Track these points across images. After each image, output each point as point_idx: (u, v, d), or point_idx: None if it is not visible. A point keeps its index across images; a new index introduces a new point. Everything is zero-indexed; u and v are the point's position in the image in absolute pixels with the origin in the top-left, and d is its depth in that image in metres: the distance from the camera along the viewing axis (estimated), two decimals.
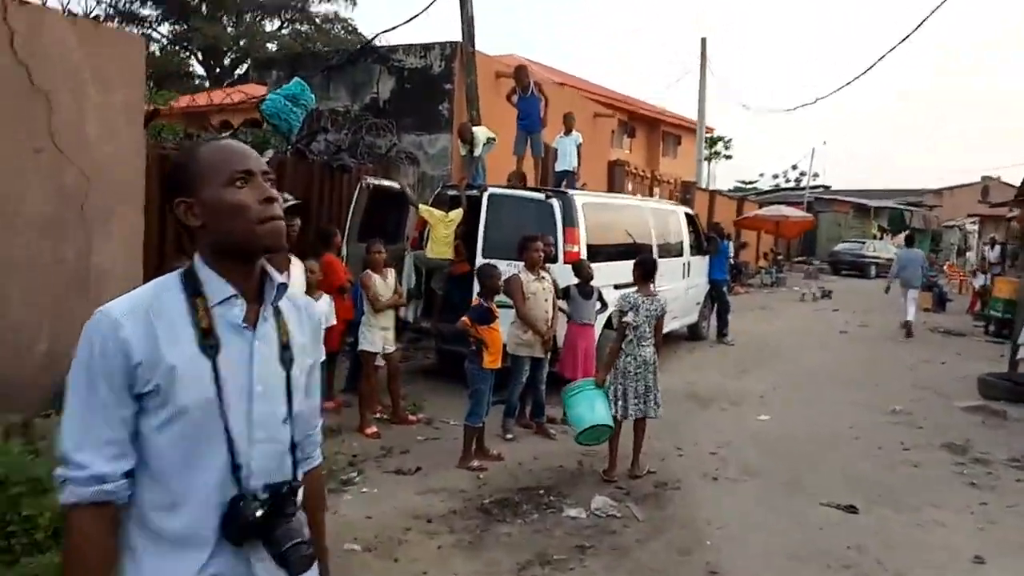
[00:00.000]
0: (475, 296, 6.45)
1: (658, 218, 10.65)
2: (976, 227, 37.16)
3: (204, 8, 32.38)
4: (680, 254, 11.37)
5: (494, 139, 9.86)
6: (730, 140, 48.40)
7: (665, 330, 11.60)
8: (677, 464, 6.58)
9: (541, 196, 8.38)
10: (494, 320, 6.42)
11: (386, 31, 10.94)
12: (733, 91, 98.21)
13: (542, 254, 7.09)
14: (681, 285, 11.40)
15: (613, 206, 9.67)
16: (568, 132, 10.90)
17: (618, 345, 6.25)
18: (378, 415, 7.57)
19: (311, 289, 6.25)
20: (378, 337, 7.20)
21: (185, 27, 31.86)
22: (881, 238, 31.67)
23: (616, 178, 17.15)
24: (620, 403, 6.21)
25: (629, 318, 6.18)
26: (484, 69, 11.77)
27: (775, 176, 55.04)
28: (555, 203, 8.32)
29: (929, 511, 5.60)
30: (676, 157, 32.62)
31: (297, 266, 5.75)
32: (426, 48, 11.62)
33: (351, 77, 12.01)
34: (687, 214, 12.12)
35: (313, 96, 8.70)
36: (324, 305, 6.33)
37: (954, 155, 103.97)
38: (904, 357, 12.14)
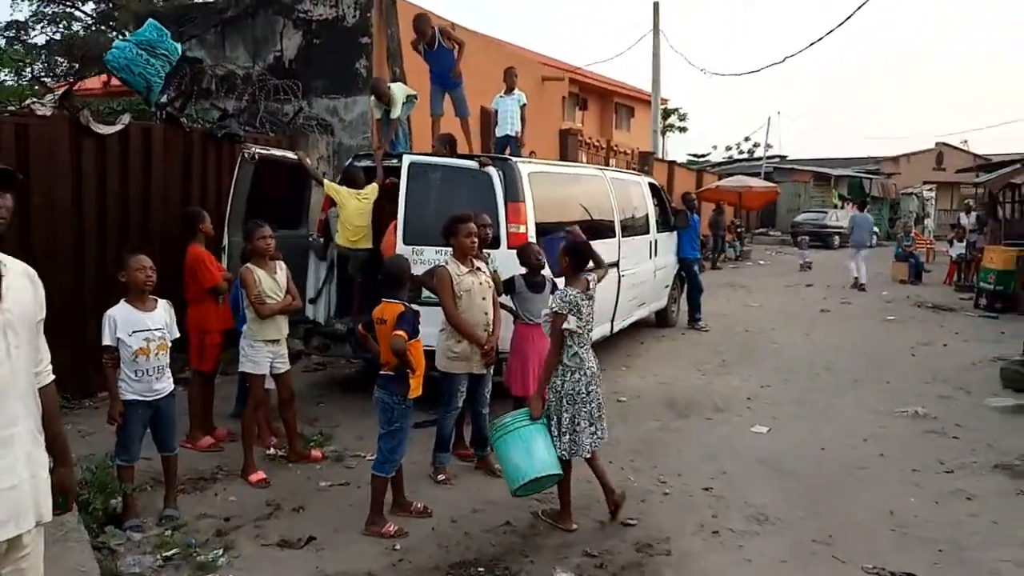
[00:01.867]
0: (386, 296, 4.69)
1: (620, 190, 9.00)
2: (933, 194, 36.56)
3: None
4: (646, 231, 9.75)
5: (415, 97, 8.09)
6: (685, 113, 47.07)
7: (632, 318, 10.33)
8: (662, 510, 4.97)
9: (475, 164, 6.65)
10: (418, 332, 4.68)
11: None
12: (685, 58, 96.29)
13: (476, 239, 5.37)
14: (648, 266, 9.80)
15: (566, 176, 7.98)
16: (510, 91, 9.14)
17: (556, 359, 4.63)
18: (271, 451, 5.82)
19: (139, 292, 4.46)
20: (264, 353, 5.43)
21: (111, 5, 29.00)
22: (842, 207, 30.58)
23: (568, 148, 15.49)
24: (568, 437, 4.60)
25: (572, 324, 4.55)
26: (408, 18, 9.94)
27: (728, 148, 54.05)
28: (494, 173, 6.59)
29: (1011, 574, 4.08)
30: (630, 130, 31.08)
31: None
32: None
33: (250, 32, 10.08)
34: (651, 185, 10.49)
35: (177, 46, 6.79)
36: (161, 313, 4.55)
37: (910, 122, 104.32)
38: (900, 339, 10.74)
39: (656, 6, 25.22)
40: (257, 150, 6.69)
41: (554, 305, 4.63)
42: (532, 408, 4.72)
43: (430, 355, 5.19)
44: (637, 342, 10.16)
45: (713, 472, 5.61)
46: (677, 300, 11.69)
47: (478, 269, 5.37)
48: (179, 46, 6.79)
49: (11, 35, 24.19)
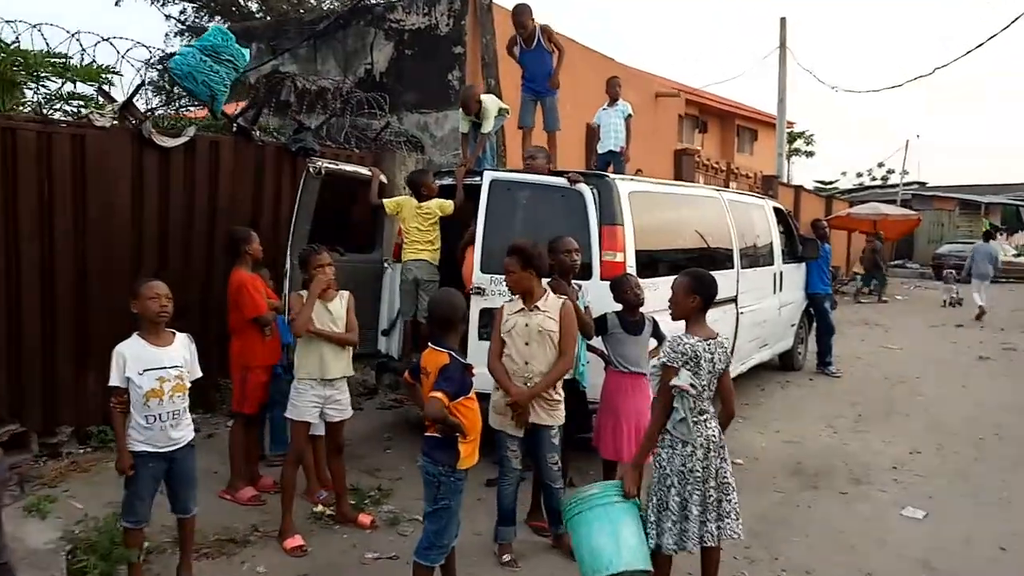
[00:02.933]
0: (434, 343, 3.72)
1: (739, 214, 7.83)
2: None
3: None
4: (770, 262, 8.51)
5: (506, 111, 7.27)
6: (812, 136, 44.34)
7: (752, 361, 8.99)
8: None
9: (565, 182, 5.72)
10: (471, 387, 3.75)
11: None
12: (814, 75, 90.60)
13: (518, 274, 4.38)
14: (772, 302, 8.54)
15: (675, 197, 6.89)
16: (613, 102, 8.20)
17: (659, 426, 3.62)
18: (318, 507, 5.04)
19: (152, 325, 3.79)
20: (309, 397, 4.67)
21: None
22: (995, 238, 27.58)
23: (684, 169, 14.32)
24: (670, 525, 3.55)
25: (683, 380, 3.52)
26: (505, 26, 9.20)
27: (859, 175, 50.60)
28: (587, 191, 5.64)
29: None
30: (752, 154, 29.32)
31: None
32: (430, 2, 9.11)
33: (341, 45, 9.59)
34: (777, 209, 9.23)
35: (245, 51, 6.23)
36: (179, 348, 3.86)
37: None
38: None
39: (783, 21, 23.64)
40: (325, 164, 6.00)
41: (663, 355, 3.63)
42: (625, 481, 3.72)
43: None
44: (757, 388, 8.88)
45: (853, 572, 4.38)
46: (805, 341, 10.29)
47: (536, 308, 4.38)
48: (247, 52, 6.24)
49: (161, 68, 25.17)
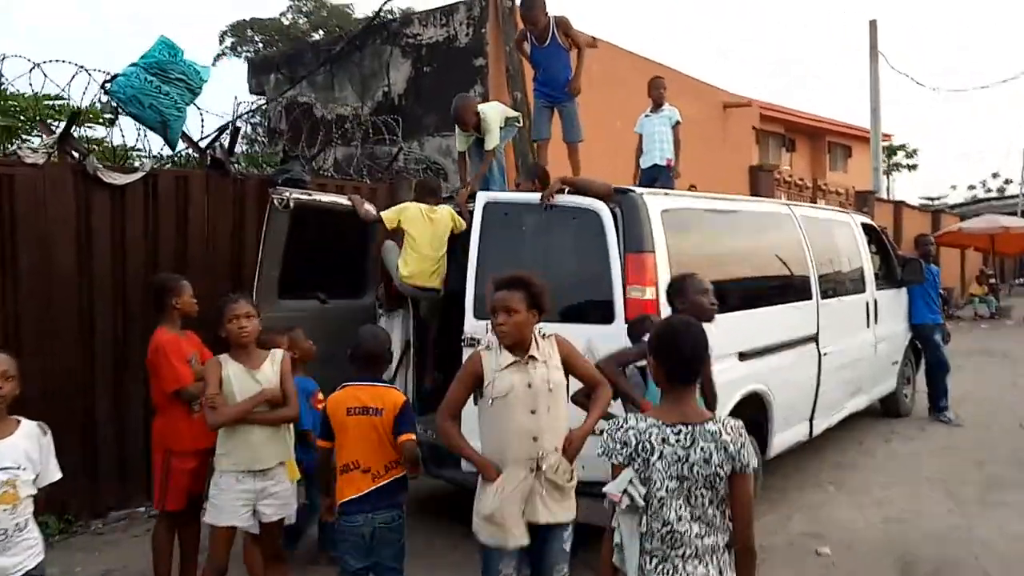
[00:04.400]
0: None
1: (818, 233, 6.40)
2: None
3: None
4: (860, 288, 6.98)
5: (517, 120, 6.16)
6: (915, 150, 41.14)
7: (843, 412, 6.71)
8: None
9: (579, 201, 4.50)
10: None
11: None
12: (911, 78, 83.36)
13: (510, 313, 3.21)
14: (865, 338, 7.00)
15: (729, 215, 5.51)
16: (657, 107, 6.93)
17: (607, 552, 2.38)
18: None
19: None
20: (234, 493, 3.60)
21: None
22: None
23: (762, 187, 12.80)
24: None
25: (617, 486, 2.34)
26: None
27: (971, 187, 46.81)
28: (604, 211, 4.41)
29: None
30: (847, 171, 27.14)
31: None
32: (448, 11, 8.14)
33: (358, 68, 8.73)
34: (867, 226, 7.68)
35: (200, 68, 5.32)
36: (18, 443, 2.87)
37: None
38: None
39: (873, 24, 21.74)
40: (294, 195, 5.00)
41: (600, 444, 2.41)
42: None
43: None
44: (853, 442, 7.30)
45: None
46: (912, 380, 8.59)
47: (532, 358, 3.19)
48: (204, 69, 5.35)
49: (256, 122, 25.35)
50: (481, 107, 5.92)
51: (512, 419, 3.12)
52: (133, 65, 5.09)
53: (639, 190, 4.67)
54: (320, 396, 4.38)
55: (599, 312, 4.38)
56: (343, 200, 5.42)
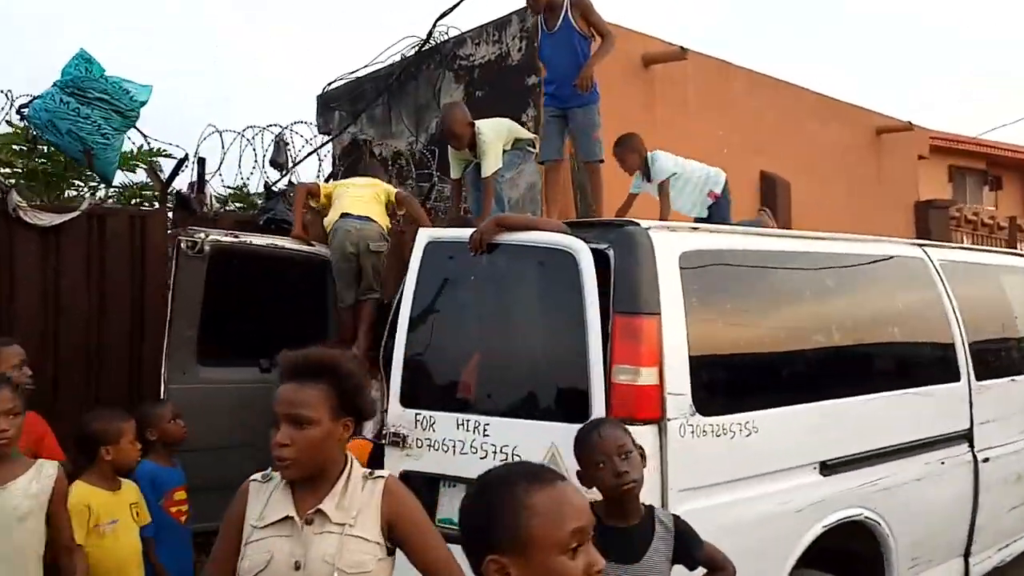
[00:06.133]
0: None
1: (975, 285, 4.50)
2: None
3: None
4: None
5: (531, 143, 4.84)
6: None
7: (1012, 551, 4.43)
8: None
9: (548, 240, 3.06)
10: None
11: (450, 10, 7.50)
12: None
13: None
14: None
15: (805, 259, 3.69)
16: (644, 175, 5.20)
17: None
18: None
19: None
20: None
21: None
22: None
23: (933, 227, 10.45)
24: None
25: None
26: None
27: None
28: (583, 253, 2.96)
29: None
30: None
31: None
32: (500, 25, 6.96)
33: (412, 99, 7.76)
34: None
35: (140, 88, 4.43)
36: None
37: None
38: None
39: None
40: (214, 237, 3.95)
41: None
42: None
43: None
44: None
45: None
46: None
47: (321, 515, 1.86)
48: (142, 88, 4.47)
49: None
50: (480, 123, 4.64)
51: None
52: (54, 85, 4.31)
53: (645, 223, 3.14)
54: (179, 496, 3.25)
55: (568, 403, 2.95)
56: (286, 242, 4.29)
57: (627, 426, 2.77)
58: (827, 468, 3.34)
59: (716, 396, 3.03)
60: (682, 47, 6.94)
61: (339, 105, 8.79)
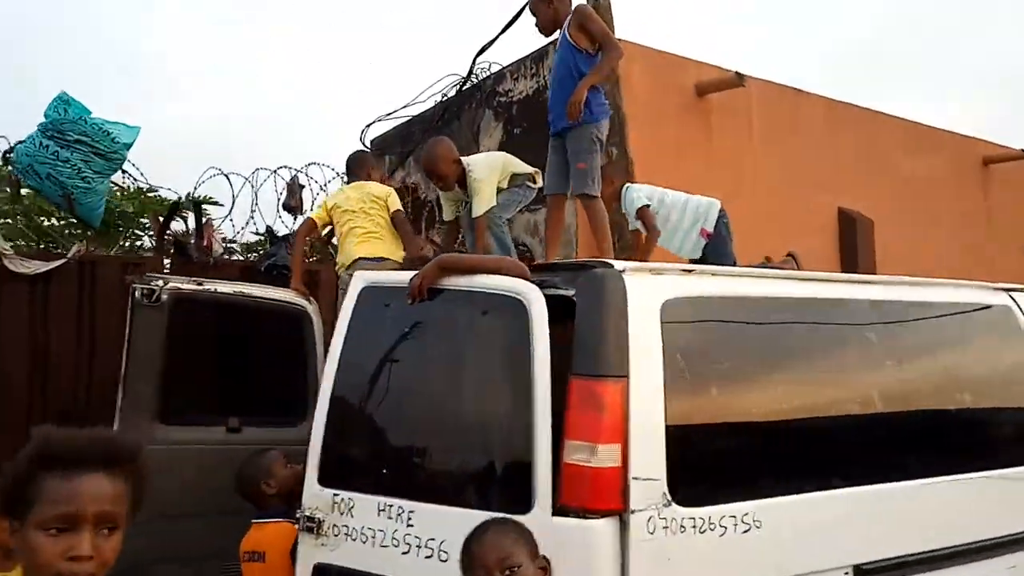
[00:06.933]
0: None
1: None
2: None
3: None
4: None
5: (529, 179, 4.32)
6: None
7: None
8: None
9: (494, 284, 2.54)
10: None
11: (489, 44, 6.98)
12: None
13: None
14: None
15: (831, 308, 2.89)
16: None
17: None
18: None
19: None
20: None
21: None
22: None
23: None
24: None
25: None
26: (647, 69, 6.24)
27: None
28: (534, 299, 2.42)
29: None
30: None
31: None
32: (538, 57, 6.52)
33: (455, 139, 7.40)
34: None
35: (127, 130, 4.21)
36: None
37: None
38: None
39: None
40: (173, 284, 3.63)
41: None
42: None
43: None
44: None
45: None
46: None
47: None
48: (129, 129, 4.26)
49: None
50: (470, 158, 4.18)
51: None
52: (37, 128, 4.16)
53: (622, 264, 2.57)
54: None
55: (508, 488, 2.39)
56: (258, 291, 3.92)
57: (580, 520, 2.21)
58: (864, 575, 2.61)
59: (702, 480, 2.40)
60: (738, 72, 6.29)
61: (390, 149, 8.60)
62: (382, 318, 2.73)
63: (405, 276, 2.72)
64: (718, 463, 2.50)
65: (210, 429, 3.81)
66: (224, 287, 3.81)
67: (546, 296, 2.49)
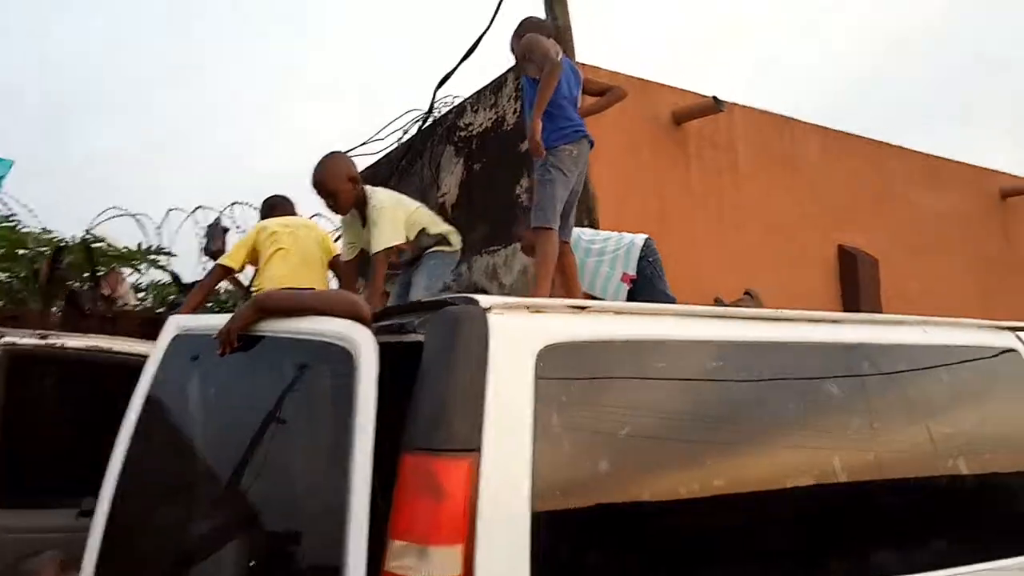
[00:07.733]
0: None
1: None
2: None
3: None
4: None
5: (444, 239, 3.71)
6: None
7: None
8: None
9: (313, 328, 1.94)
10: None
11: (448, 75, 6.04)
12: None
13: None
14: None
15: (759, 353, 2.19)
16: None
17: None
18: None
19: None
20: None
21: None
22: None
23: None
24: None
25: None
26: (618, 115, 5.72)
27: None
28: (362, 351, 1.81)
29: None
30: None
31: None
32: (497, 87, 5.99)
33: (418, 178, 6.88)
34: None
35: None
36: None
37: None
38: None
39: None
40: (10, 340, 3.08)
41: None
42: None
43: None
44: None
45: None
46: None
47: None
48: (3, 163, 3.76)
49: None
50: (373, 192, 3.55)
51: None
52: None
53: (490, 299, 1.95)
54: None
55: None
56: (119, 344, 3.33)
57: None
58: None
59: None
60: (715, 97, 5.72)
61: None
62: (189, 375, 2.13)
63: (219, 321, 2.12)
64: (610, 567, 1.84)
65: (57, 512, 3.20)
66: (74, 341, 3.24)
67: (390, 343, 1.89)
